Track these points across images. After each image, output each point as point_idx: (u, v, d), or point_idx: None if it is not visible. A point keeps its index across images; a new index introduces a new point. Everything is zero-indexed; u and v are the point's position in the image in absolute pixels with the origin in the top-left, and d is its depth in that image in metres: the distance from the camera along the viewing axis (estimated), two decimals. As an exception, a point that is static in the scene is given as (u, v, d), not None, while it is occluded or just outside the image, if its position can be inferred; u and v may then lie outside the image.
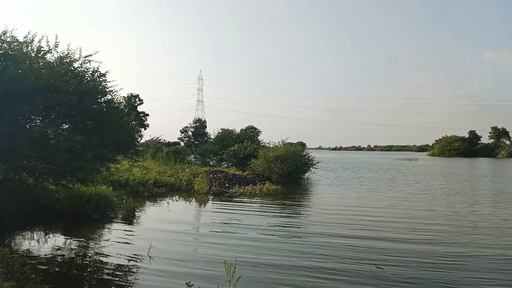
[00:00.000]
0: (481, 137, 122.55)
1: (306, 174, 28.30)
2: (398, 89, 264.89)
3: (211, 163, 32.90)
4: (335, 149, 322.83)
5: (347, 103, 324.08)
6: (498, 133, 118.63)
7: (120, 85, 12.84)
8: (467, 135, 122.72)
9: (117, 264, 7.29)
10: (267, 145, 32.14)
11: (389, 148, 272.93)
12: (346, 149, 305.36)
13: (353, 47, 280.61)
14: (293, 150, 25.94)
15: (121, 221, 11.74)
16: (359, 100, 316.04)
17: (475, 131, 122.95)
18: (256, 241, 9.16)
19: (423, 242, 9.16)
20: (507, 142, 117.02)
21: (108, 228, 10.71)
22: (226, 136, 34.48)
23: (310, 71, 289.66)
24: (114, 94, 12.21)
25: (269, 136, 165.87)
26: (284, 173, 24.37)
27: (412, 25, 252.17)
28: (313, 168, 28.25)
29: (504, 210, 14.28)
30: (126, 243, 8.92)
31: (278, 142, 30.07)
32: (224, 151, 31.43)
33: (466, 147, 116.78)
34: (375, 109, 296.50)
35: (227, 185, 19.73)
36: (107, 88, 11.80)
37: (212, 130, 34.52)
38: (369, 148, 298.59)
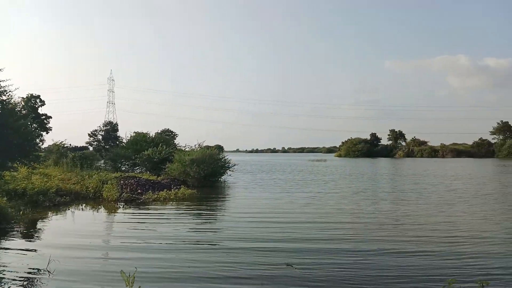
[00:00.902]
0: (381, 139, 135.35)
1: (223, 177, 28.32)
2: (310, 94, 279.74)
3: (123, 169, 31.26)
4: (252, 151, 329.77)
5: (265, 107, 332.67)
6: (396, 135, 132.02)
7: (17, 85, 11.42)
8: (369, 137, 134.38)
9: (12, 282, 6.40)
10: (183, 149, 31.42)
11: (301, 150, 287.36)
12: (262, 151, 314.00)
13: (273, 52, 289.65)
14: (209, 153, 25.73)
15: (17, 234, 10.42)
16: (276, 104, 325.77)
17: (376, 133, 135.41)
18: (168, 252, 8.70)
19: (332, 240, 9.60)
20: (403, 143, 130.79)
21: (2, 243, 9.39)
22: (139, 139, 32.90)
23: (231, 74, 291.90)
24: (8, 94, 10.80)
25: (187, 140, 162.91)
26: (200, 177, 24.05)
27: (326, 35, 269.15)
28: (229, 171, 28.42)
29: (404, 206, 15.65)
30: (22, 258, 7.89)
31: (195, 145, 29.63)
32: (138, 156, 30.00)
33: (368, 148, 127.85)
34: (289, 113, 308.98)
35: (139, 191, 18.82)
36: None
37: (125, 133, 32.88)
38: (283, 150, 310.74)
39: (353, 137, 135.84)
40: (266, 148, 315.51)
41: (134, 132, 34.76)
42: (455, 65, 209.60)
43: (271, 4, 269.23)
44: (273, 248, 8.85)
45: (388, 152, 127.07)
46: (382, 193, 20.79)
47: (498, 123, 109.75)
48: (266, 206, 16.00)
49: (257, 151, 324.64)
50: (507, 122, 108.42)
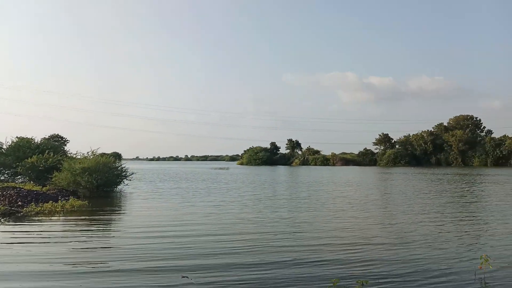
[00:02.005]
0: (280, 148, 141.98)
1: (119, 187, 26.38)
2: (215, 103, 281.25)
3: (2, 178, 27.55)
4: (153, 159, 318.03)
5: (167, 114, 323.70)
6: (293, 145, 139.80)
7: None
8: (269, 146, 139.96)
9: None
10: (74, 156, 28.51)
11: (205, 158, 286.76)
12: (164, 159, 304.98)
13: (180, 57, 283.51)
14: (104, 162, 23.77)
15: None
16: (179, 111, 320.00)
17: (275, 142, 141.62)
18: (46, 278, 7.37)
19: (235, 254, 9.25)
20: (299, 152, 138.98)
21: None
22: (22, 145, 28.91)
23: (133, 79, 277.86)
24: None
25: (81, 147, 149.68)
26: (93, 187, 22.01)
27: (231, 44, 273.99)
28: (126, 180, 26.63)
29: (303, 213, 16.22)
30: None
31: (88, 152, 27.07)
32: (20, 164, 26.36)
33: (268, 156, 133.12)
34: (195, 121, 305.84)
35: (20, 203, 16.42)
36: None
37: (5, 138, 28.23)
38: (186, 158, 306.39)
39: (254, 146, 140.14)
40: (168, 156, 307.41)
41: (16, 137, 30.52)
42: (344, 81, 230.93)
43: (178, 8, 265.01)
44: (171, 266, 8.14)
45: (286, 160, 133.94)
46: (282, 200, 21.36)
47: (379, 135, 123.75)
48: (165, 218, 15.08)
49: (158, 159, 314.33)
50: (387, 134, 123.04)
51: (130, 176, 26.91)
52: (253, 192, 26.09)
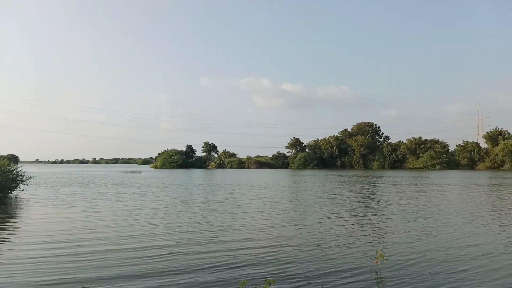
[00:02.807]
0: (196, 150, 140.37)
1: (14, 192, 23.69)
2: (127, 104, 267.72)
3: None
4: (55, 162, 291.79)
5: (71, 113, 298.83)
6: (209, 148, 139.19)
7: None
8: (185, 149, 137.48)
9: None
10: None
11: (115, 161, 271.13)
12: (69, 162, 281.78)
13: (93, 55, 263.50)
14: (-5, 165, 21.14)
15: None
16: (87, 111, 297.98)
17: (191, 145, 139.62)
18: None
19: (143, 262, 8.87)
20: (216, 155, 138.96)
21: None
22: None
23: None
24: None
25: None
26: (-19, 194, 19.43)
27: (148, 46, 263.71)
28: (23, 184, 24.05)
29: (219, 217, 16.16)
30: None
31: (-26, 154, 23.82)
32: None
33: (184, 159, 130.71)
34: (104, 121, 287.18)
35: None
36: None
37: None
38: (94, 161, 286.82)
39: (169, 148, 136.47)
40: (73, 159, 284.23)
41: None
42: (259, 86, 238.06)
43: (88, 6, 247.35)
44: (71, 280, 7.48)
45: (202, 163, 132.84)
46: (198, 204, 21.09)
47: (291, 139, 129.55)
48: (66, 226, 13.74)
49: (62, 162, 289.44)
50: (298, 138, 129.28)
51: (27, 181, 24.41)
52: (167, 196, 25.34)
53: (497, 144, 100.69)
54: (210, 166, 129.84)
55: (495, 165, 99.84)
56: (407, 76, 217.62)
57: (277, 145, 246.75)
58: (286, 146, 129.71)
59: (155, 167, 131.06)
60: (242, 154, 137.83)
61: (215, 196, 25.86)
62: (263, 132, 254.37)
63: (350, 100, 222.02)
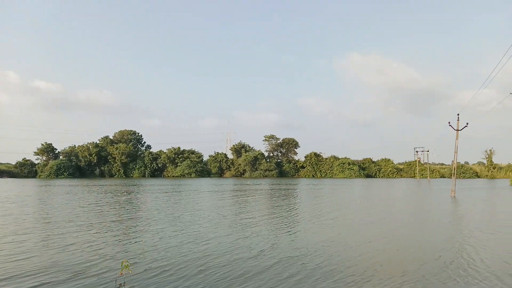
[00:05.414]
0: None
1: None
2: None
3: None
4: None
5: None
6: None
7: None
8: None
9: None
10: None
11: None
12: None
13: None
14: None
15: None
16: None
17: None
18: None
19: None
20: None
21: None
22: None
23: None
24: None
25: None
26: None
27: None
28: None
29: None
30: None
31: None
32: None
33: None
34: None
35: None
36: None
37: None
38: None
39: None
40: None
41: None
42: (3, 80, 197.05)
43: None
44: None
45: None
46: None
47: (42, 144, 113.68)
48: None
49: None
50: (51, 144, 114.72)
51: None
52: None
53: (240, 155, 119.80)
54: None
55: (239, 173, 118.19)
56: (172, 87, 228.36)
57: (25, 150, 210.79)
58: (35, 152, 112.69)
59: None
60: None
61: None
62: (6, 135, 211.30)
63: (114, 106, 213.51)
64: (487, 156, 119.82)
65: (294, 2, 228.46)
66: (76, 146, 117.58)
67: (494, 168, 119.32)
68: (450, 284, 8.80)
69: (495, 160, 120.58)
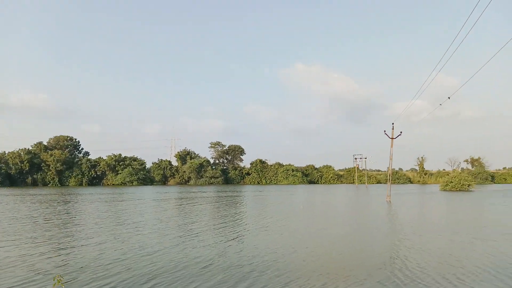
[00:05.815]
0: None
1: None
2: None
3: None
4: None
5: None
6: None
7: None
8: None
9: None
10: None
11: None
12: None
13: None
14: None
15: None
16: None
17: None
18: None
19: None
20: None
21: None
22: None
23: None
24: None
25: None
26: None
27: None
28: None
29: None
30: None
31: None
32: None
33: None
34: None
35: None
36: None
37: None
38: None
39: None
40: None
41: None
42: None
43: None
44: None
45: None
46: None
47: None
48: None
49: None
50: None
51: None
52: None
53: (186, 163, 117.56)
54: None
55: (183, 180, 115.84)
56: (112, 92, 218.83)
57: None
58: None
59: None
60: None
61: None
62: None
63: (50, 110, 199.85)
64: (419, 163, 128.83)
65: (240, 9, 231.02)
66: (6, 152, 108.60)
67: (425, 174, 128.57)
68: (390, 285, 9.36)
69: (426, 166, 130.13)
